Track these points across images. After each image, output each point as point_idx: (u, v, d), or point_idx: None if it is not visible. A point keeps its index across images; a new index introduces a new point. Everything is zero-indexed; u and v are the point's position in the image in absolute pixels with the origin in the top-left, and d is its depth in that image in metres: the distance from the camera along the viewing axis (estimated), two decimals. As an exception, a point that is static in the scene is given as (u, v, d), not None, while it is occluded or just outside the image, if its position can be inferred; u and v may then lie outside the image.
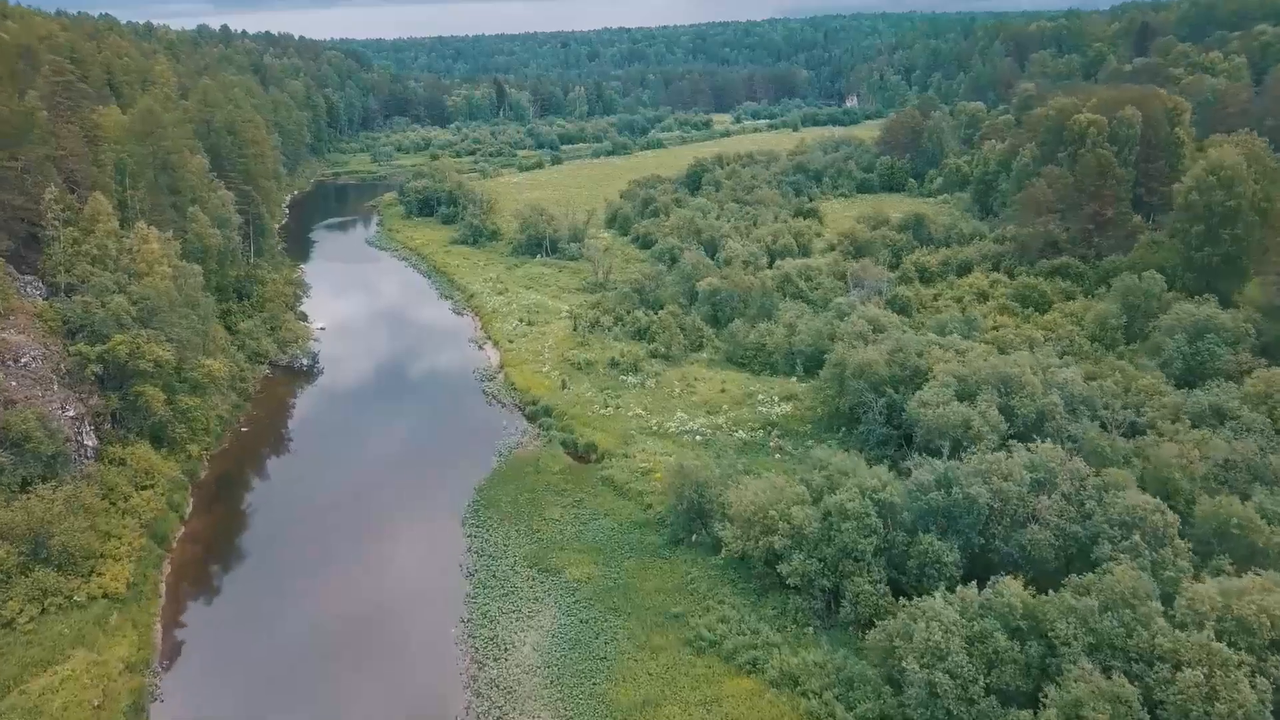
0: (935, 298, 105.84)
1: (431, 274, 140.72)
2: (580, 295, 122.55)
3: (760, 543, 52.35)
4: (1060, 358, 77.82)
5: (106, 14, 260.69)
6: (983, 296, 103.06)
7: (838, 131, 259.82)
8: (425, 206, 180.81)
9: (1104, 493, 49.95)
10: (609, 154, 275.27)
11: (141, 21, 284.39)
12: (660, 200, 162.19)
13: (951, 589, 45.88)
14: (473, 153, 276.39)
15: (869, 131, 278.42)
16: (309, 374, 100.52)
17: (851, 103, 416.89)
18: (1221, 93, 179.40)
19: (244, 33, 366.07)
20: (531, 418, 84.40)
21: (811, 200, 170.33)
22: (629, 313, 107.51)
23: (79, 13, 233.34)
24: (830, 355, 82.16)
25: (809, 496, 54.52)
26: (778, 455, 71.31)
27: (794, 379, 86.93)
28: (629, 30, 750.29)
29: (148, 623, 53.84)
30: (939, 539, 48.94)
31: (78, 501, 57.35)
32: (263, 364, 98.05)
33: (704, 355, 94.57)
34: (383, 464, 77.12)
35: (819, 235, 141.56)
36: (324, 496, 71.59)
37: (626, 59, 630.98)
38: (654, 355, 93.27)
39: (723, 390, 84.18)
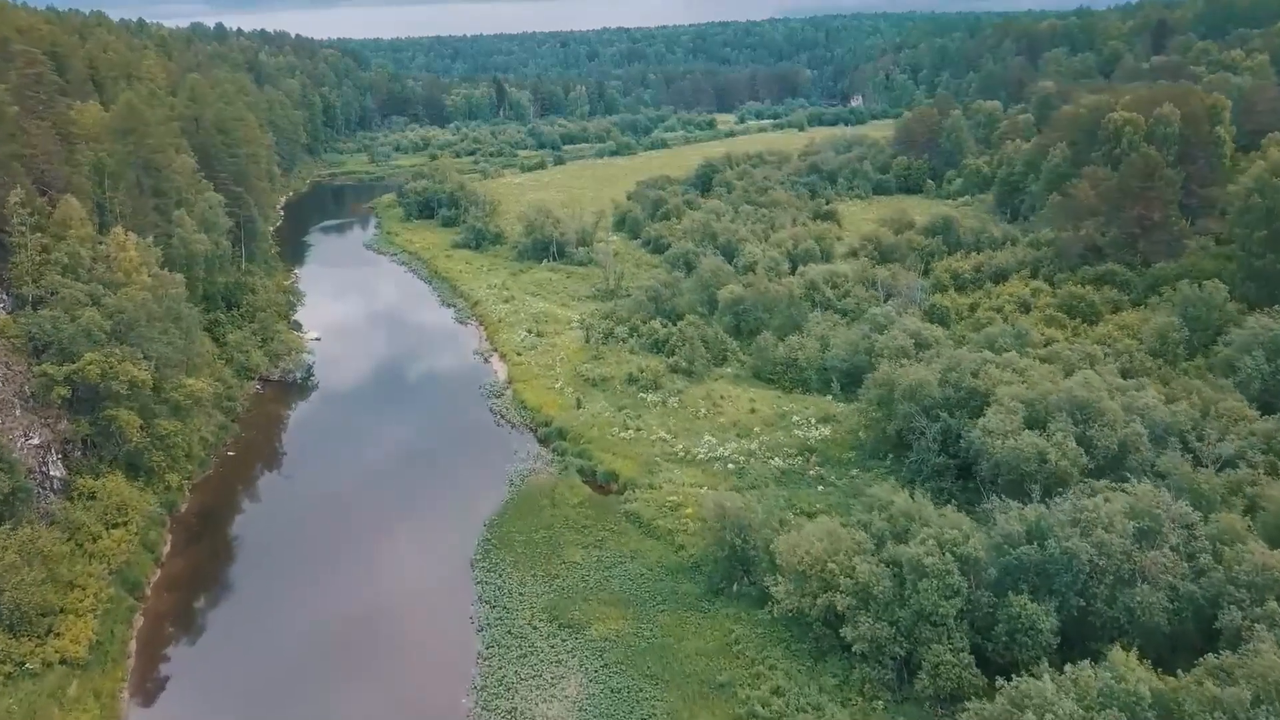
0: (972, 308, 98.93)
1: (432, 279, 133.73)
2: (591, 303, 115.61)
3: (818, 600, 45.45)
4: (1123, 377, 71.12)
5: (98, 10, 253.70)
6: (1024, 306, 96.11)
7: (849, 131, 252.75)
8: (425, 208, 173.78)
9: (1219, 544, 43.08)
10: (613, 154, 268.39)
11: (134, 19, 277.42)
12: (671, 202, 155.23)
13: (1049, 659, 39.10)
14: (473, 153, 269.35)
15: (879, 131, 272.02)
16: (302, 389, 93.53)
17: (856, 102, 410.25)
18: (1249, 91, 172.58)
19: (239, 31, 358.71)
20: (544, 440, 77.44)
21: (827, 202, 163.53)
22: (645, 323, 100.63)
23: (70, 10, 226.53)
24: (871, 373, 75.42)
25: (870, 544, 47.70)
26: (820, 487, 64.31)
27: (829, 397, 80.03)
28: (628, 30, 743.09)
29: (113, 691, 46.85)
30: (1032, 600, 42.01)
31: (35, 548, 50.30)
32: (252, 379, 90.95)
33: (728, 370, 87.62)
34: (382, 493, 70.17)
35: (839, 239, 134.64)
36: (318, 531, 64.63)
37: (626, 58, 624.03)
38: (675, 370, 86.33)
39: (752, 410, 77.25)
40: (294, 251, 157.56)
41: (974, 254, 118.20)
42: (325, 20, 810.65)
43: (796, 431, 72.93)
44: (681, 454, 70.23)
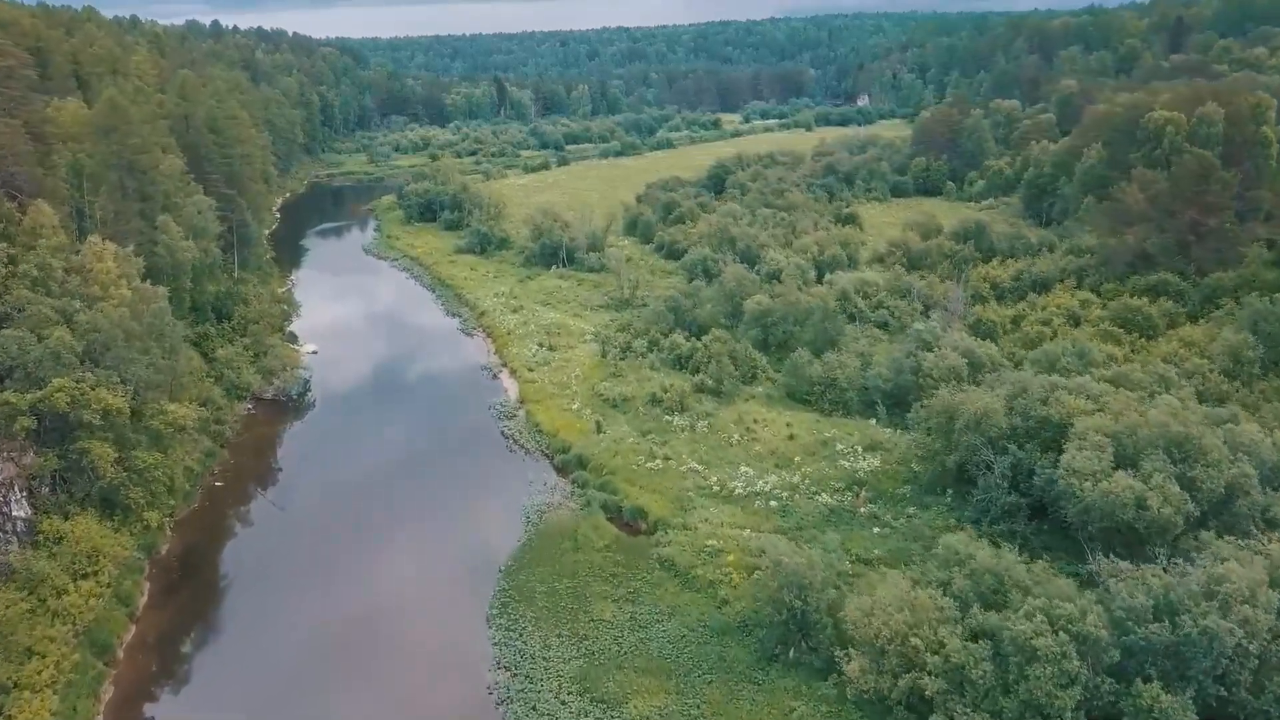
0: (1015, 320, 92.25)
1: (435, 287, 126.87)
2: (604, 313, 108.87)
3: (900, 681, 38.74)
4: (1199, 400, 64.57)
5: (89, 6, 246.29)
6: (1073, 319, 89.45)
7: (862, 131, 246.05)
8: (427, 210, 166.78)
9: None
10: (617, 154, 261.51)
11: (127, 15, 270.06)
12: (684, 205, 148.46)
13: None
14: (474, 153, 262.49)
15: (888, 130, 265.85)
16: (297, 409, 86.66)
17: (863, 102, 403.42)
18: (1277, 89, 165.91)
19: (235, 29, 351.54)
20: (562, 469, 70.66)
21: (847, 205, 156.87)
22: (665, 335, 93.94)
23: (63, 6, 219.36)
24: (921, 396, 68.98)
25: (954, 609, 41.03)
26: (876, 529, 57.54)
27: (874, 421, 73.26)
28: (628, 29, 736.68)
29: (72, 785, 40.09)
30: (1164, 690, 35.33)
31: (-14, 612, 43.56)
32: (244, 400, 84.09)
33: (759, 390, 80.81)
34: (385, 531, 63.41)
35: (862, 244, 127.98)
36: (312, 578, 57.85)
37: (627, 58, 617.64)
38: (701, 390, 79.56)
39: (791, 437, 70.45)
40: (290, 256, 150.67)
41: (1009, 261, 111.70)
42: (323, 20, 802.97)
43: (842, 462, 66.14)
44: (716, 488, 63.42)
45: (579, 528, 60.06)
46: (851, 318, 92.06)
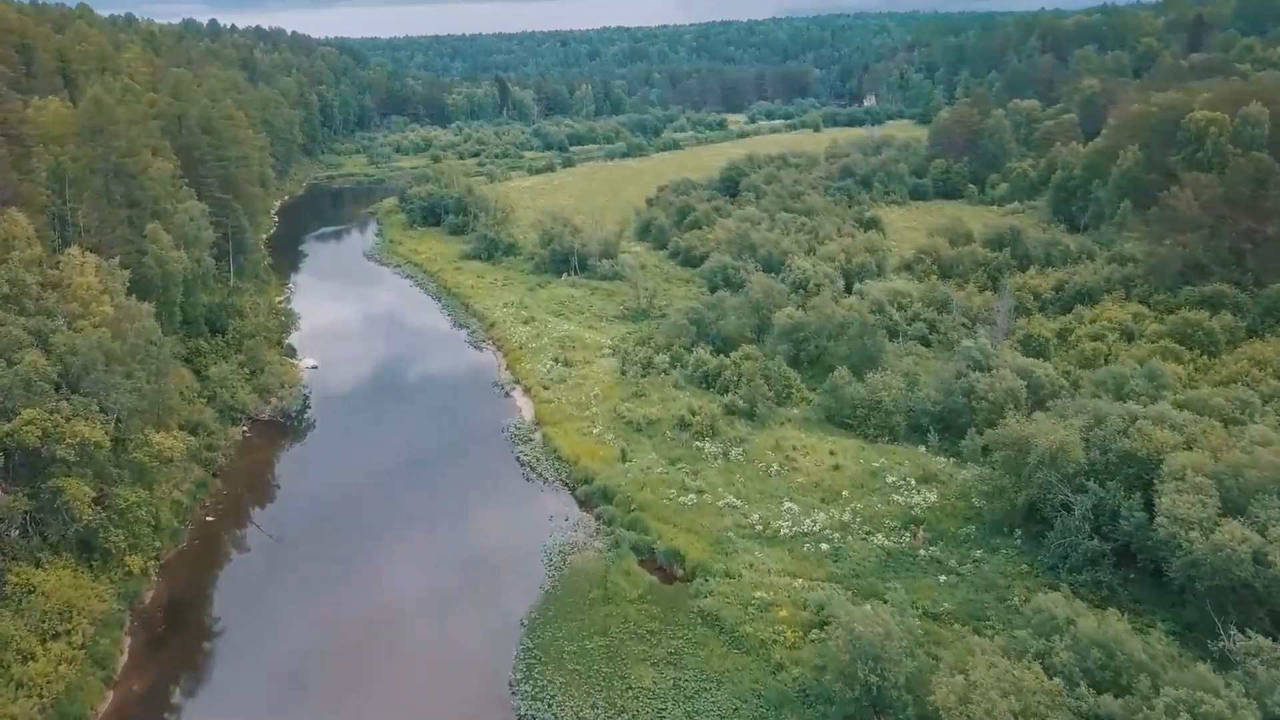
0: (1063, 335, 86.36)
1: (441, 296, 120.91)
2: (621, 325, 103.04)
3: (1008, 782, 32.90)
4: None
5: (84, 4, 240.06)
6: (1127, 335, 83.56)
7: (876, 132, 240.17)
8: (430, 214, 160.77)
9: None
10: (623, 155, 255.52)
11: (122, 13, 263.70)
12: (699, 209, 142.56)
13: None
14: (476, 154, 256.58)
15: (902, 131, 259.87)
16: (296, 431, 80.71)
17: (870, 102, 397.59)
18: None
19: (233, 28, 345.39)
20: (585, 502, 64.74)
21: (866, 208, 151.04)
22: (688, 350, 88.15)
23: (56, 4, 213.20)
24: (980, 423, 63.24)
25: (1062, 687, 35.18)
26: (943, 577, 51.64)
27: (923, 449, 67.36)
28: (629, 29, 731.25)
29: None
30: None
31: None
32: (238, 424, 78.09)
33: (795, 412, 74.90)
34: (393, 571, 57.55)
35: (887, 250, 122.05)
36: (312, 629, 51.96)
37: (628, 58, 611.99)
38: (732, 412, 73.65)
39: (836, 467, 64.52)
40: (289, 261, 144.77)
41: (1048, 270, 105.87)
42: (322, 20, 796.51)
43: (895, 496, 60.21)
44: (759, 527, 57.47)
45: (608, 574, 54.10)
46: (892, 334, 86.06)
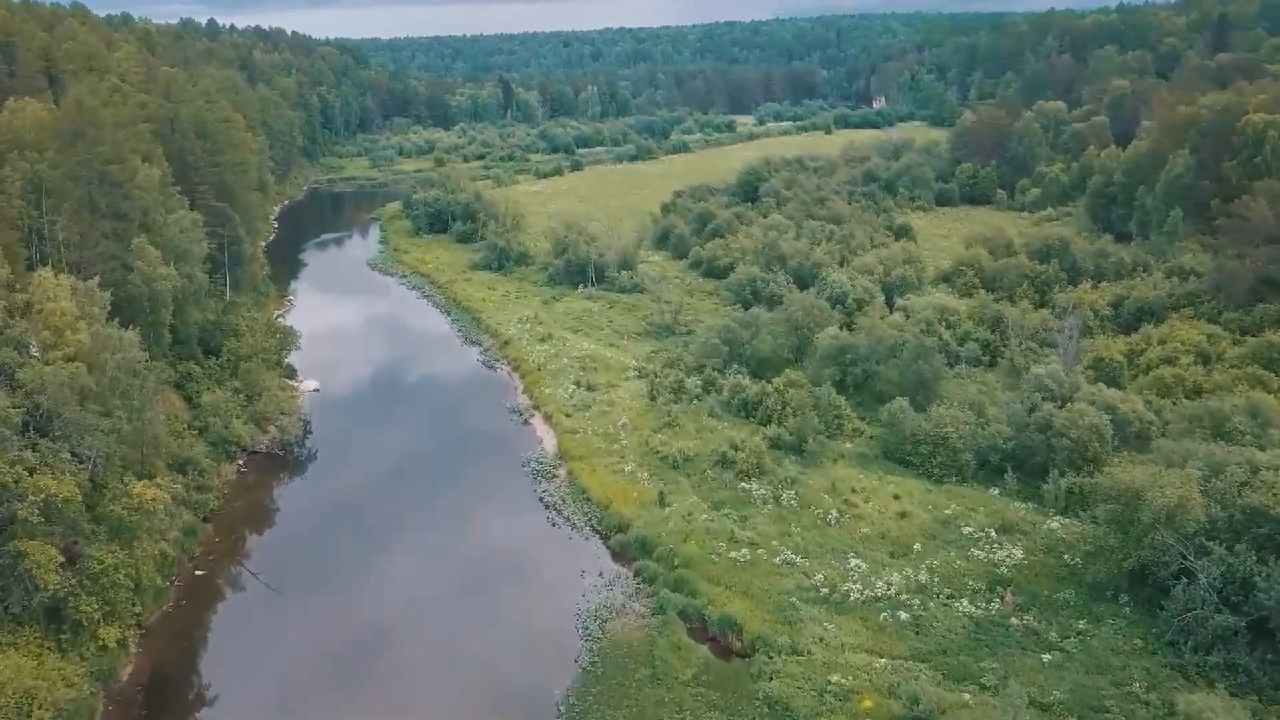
0: (1130, 356, 79.29)
1: (450, 309, 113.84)
2: (644, 342, 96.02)
3: None
4: None
5: (79, 4, 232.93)
6: (1202, 358, 76.45)
7: (895, 134, 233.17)
8: (437, 221, 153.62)
9: None
10: (632, 158, 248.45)
11: (118, 13, 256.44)
12: (720, 216, 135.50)
13: None
14: (481, 156, 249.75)
15: (914, 133, 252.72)
16: (296, 464, 73.68)
17: (880, 103, 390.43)
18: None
19: (232, 28, 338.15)
20: (619, 553, 57.67)
21: (894, 214, 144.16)
22: (720, 372, 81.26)
23: (52, 4, 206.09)
24: (1059, 463, 56.27)
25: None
26: (1046, 656, 44.56)
27: (996, 491, 60.35)
28: (631, 30, 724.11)
29: None
30: None
31: None
32: (233, 460, 71.03)
33: (848, 447, 67.86)
34: (406, 635, 50.69)
35: (923, 261, 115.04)
36: (315, 711, 44.94)
37: (631, 59, 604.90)
38: (777, 446, 66.63)
39: (902, 514, 57.51)
40: (288, 270, 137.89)
41: (1102, 285, 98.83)
42: (321, 20, 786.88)
43: (975, 551, 53.18)
44: (825, 590, 50.39)
45: (655, 647, 47.05)
46: (951, 358, 78.98)
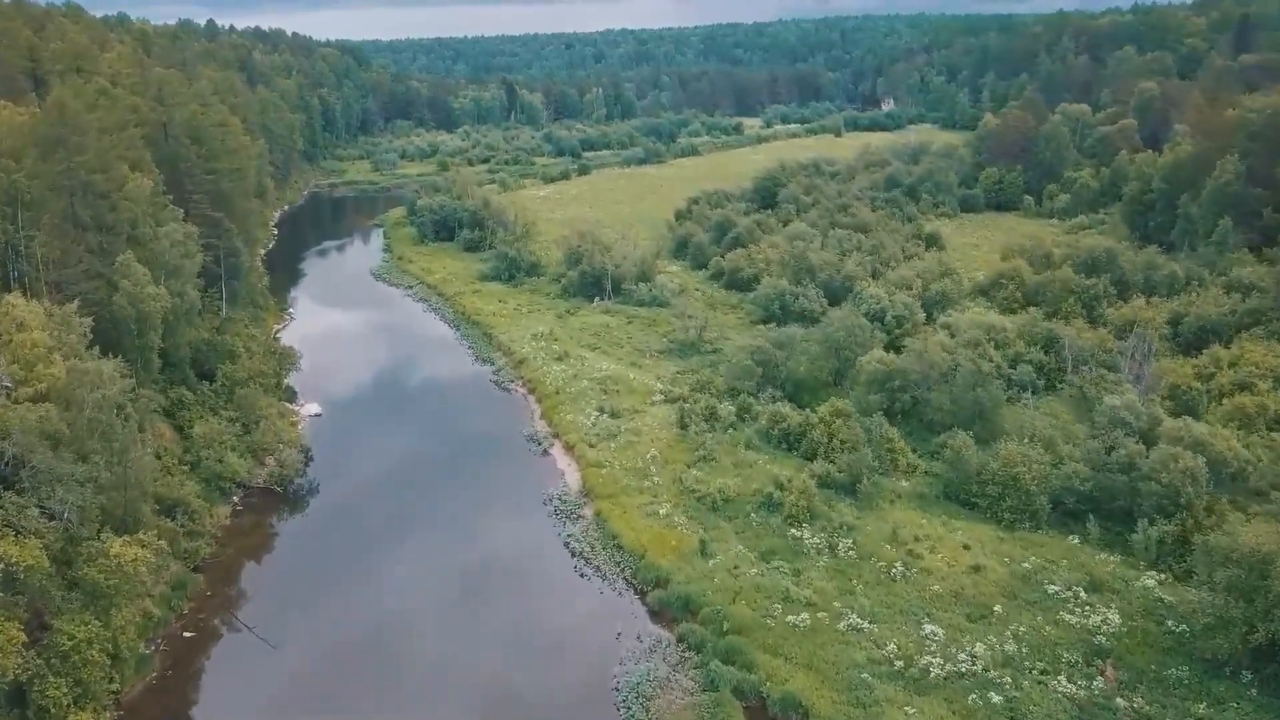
0: (1203, 379, 73.08)
1: (460, 324, 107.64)
2: (668, 362, 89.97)
3: None
4: None
5: (74, 4, 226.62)
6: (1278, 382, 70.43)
7: (912, 137, 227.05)
8: (443, 228, 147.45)
9: None
10: (640, 162, 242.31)
11: (114, 13, 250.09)
12: (740, 224, 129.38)
13: None
14: (486, 160, 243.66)
15: (931, 136, 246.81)
16: (296, 499, 67.50)
17: (888, 105, 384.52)
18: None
19: (231, 28, 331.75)
20: (658, 612, 51.52)
21: (921, 222, 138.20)
22: (753, 396, 75.28)
23: (48, 4, 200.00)
24: (1147, 509, 50.24)
25: None
26: (1169, 750, 38.53)
27: (1075, 539, 54.23)
28: (633, 31, 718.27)
29: None
30: None
31: None
32: (228, 494, 64.91)
33: (904, 485, 61.76)
34: (420, 705, 44.49)
35: (959, 274, 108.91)
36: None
37: (634, 60, 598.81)
38: (826, 485, 60.51)
39: (975, 568, 51.40)
40: (288, 279, 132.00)
41: (1151, 299, 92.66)
42: (322, 21, 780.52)
43: (1065, 615, 47.03)
44: (899, 663, 44.19)
45: (708, 732, 40.92)
46: (1016, 385, 72.78)
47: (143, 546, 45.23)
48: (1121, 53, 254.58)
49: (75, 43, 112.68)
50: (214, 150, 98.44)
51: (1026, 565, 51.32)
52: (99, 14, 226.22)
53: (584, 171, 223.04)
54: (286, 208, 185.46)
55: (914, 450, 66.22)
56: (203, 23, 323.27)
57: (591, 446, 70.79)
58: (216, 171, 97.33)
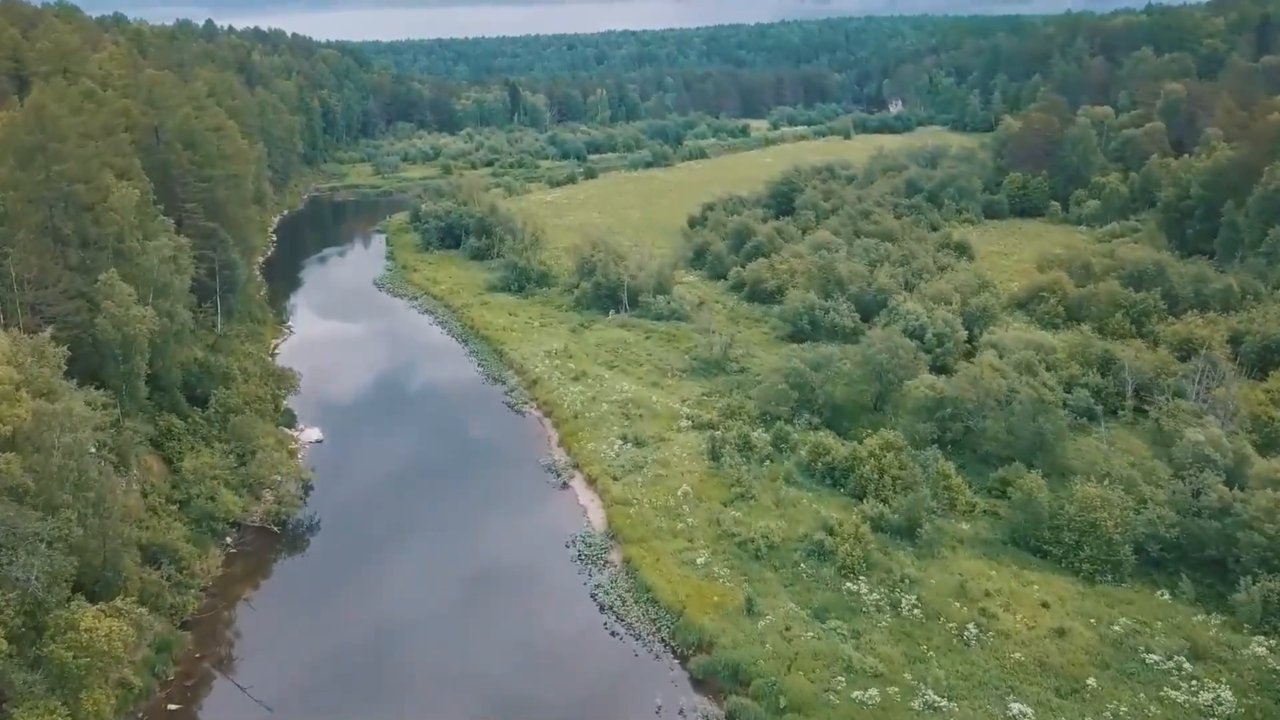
0: (1273, 402, 67.54)
1: (468, 338, 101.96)
2: (692, 382, 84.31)
3: None
4: None
5: (71, 4, 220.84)
6: (1362, 410, 64.84)
7: (929, 140, 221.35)
8: (448, 235, 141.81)
9: None
10: (648, 165, 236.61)
11: (110, 14, 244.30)
12: (760, 232, 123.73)
13: None
14: (490, 163, 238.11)
15: (942, 138, 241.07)
16: (295, 539, 61.88)
17: (896, 107, 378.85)
18: None
19: (230, 29, 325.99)
20: (702, 680, 45.79)
21: (949, 231, 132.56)
22: (789, 422, 69.66)
23: (43, 4, 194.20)
24: (1261, 567, 44.55)
25: None
26: None
27: (1165, 595, 48.57)
28: (635, 32, 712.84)
29: None
30: None
31: None
32: (221, 536, 59.24)
33: (964, 528, 56.08)
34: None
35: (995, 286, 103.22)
36: None
37: (637, 61, 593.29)
38: (879, 528, 54.90)
39: (1059, 631, 45.69)
40: (287, 288, 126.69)
41: (1211, 315, 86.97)
42: (321, 22, 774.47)
43: (1169, 691, 41.36)
44: (988, 752, 38.62)
45: (775, 841, 35.23)
46: (1073, 412, 67.00)
47: (119, 616, 39.50)
48: (1139, 54, 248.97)
49: (64, 42, 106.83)
50: (209, 156, 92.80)
51: (1116, 628, 45.66)
52: (95, 14, 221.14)
53: (590, 175, 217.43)
54: (286, 213, 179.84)
55: (970, 486, 60.53)
56: (201, 23, 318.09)
57: (616, 480, 65.13)
58: (211, 178, 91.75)
